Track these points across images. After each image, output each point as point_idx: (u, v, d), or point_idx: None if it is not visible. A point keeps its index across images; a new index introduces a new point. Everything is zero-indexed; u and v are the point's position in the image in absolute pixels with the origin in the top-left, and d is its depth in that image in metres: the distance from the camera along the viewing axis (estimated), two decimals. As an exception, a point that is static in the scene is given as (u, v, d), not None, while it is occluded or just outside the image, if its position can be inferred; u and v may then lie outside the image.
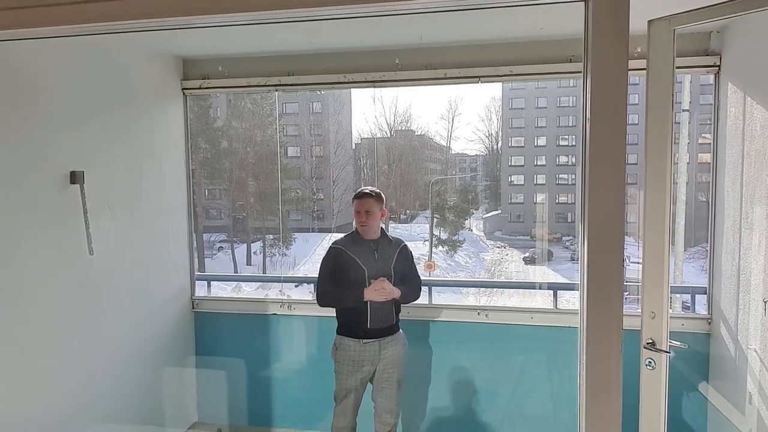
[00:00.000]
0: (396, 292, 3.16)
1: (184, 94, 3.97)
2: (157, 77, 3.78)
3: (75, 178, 2.94)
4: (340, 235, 3.34)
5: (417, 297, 3.35)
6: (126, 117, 3.47)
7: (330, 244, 3.33)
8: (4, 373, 2.33)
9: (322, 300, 3.24)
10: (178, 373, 4.00)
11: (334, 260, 3.23)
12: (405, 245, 3.38)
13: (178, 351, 3.97)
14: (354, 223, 3.29)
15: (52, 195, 2.86)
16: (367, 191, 3.27)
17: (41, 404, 2.76)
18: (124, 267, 3.39)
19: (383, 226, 3.33)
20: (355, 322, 3.17)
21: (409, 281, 3.30)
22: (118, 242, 3.33)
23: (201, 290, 4.37)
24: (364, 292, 3.13)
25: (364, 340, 3.18)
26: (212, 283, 5.02)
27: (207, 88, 3.95)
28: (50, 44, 2.70)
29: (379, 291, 3.12)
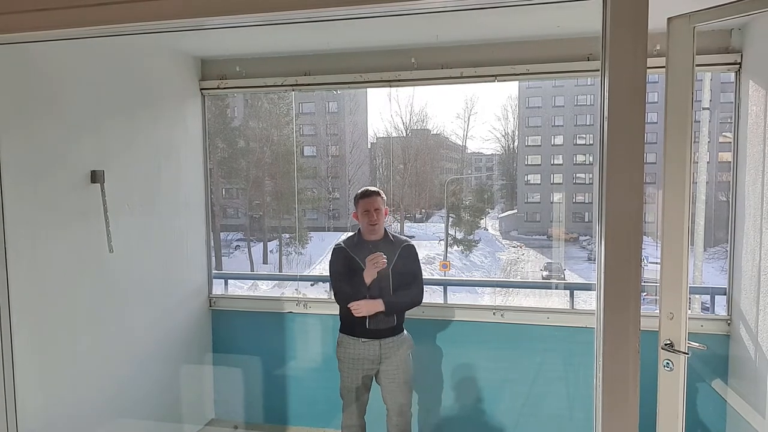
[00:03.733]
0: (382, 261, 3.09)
1: (202, 94, 4.01)
2: (176, 78, 3.82)
3: (95, 177, 2.98)
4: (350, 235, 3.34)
5: (417, 302, 3.24)
6: (145, 117, 3.52)
7: (334, 245, 3.34)
8: (27, 368, 2.37)
9: (339, 297, 3.22)
10: (195, 370, 4.04)
11: (340, 259, 3.24)
12: (408, 245, 3.29)
13: (196, 348, 4.02)
14: (360, 222, 3.23)
15: (73, 194, 2.91)
16: (374, 189, 3.22)
17: (62, 399, 2.81)
18: (142, 265, 3.44)
19: (387, 226, 3.28)
20: (355, 321, 3.16)
21: (407, 286, 3.21)
22: (137, 240, 3.37)
23: (218, 288, 4.41)
24: (364, 276, 3.10)
25: (363, 339, 3.17)
26: (229, 281, 5.06)
27: (225, 88, 3.98)
28: (71, 46, 2.74)
29: (372, 263, 3.08)
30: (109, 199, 3.03)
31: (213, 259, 4.23)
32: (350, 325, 3.21)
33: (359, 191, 3.25)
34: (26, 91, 2.59)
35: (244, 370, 4.08)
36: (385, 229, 3.25)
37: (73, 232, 2.90)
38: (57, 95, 2.80)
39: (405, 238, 3.36)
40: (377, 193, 3.22)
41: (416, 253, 3.35)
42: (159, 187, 3.62)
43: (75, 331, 2.91)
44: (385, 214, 3.23)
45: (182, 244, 3.87)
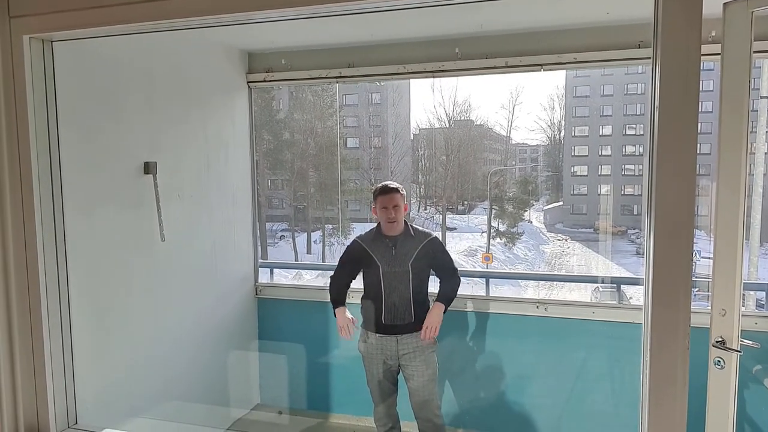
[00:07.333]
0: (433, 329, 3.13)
1: (249, 86, 4.09)
2: (225, 71, 3.91)
3: (148, 168, 3.09)
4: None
5: (455, 293, 3.26)
6: (195, 110, 3.62)
7: (355, 237, 3.41)
8: (84, 351, 2.49)
9: (332, 286, 3.37)
10: (241, 357, 4.16)
11: (354, 253, 3.31)
12: (432, 239, 3.27)
13: (242, 335, 4.13)
14: (379, 218, 3.23)
15: (127, 185, 3.02)
16: (393, 186, 3.19)
17: (118, 381, 2.93)
18: (192, 254, 3.55)
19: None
20: (373, 315, 3.21)
21: (446, 279, 3.24)
22: (187, 230, 3.48)
23: (264, 277, 4.51)
24: (338, 314, 3.24)
25: (379, 335, 3.20)
26: (274, 270, 5.17)
27: (271, 80, 4.04)
28: (124, 42, 2.84)
29: (343, 329, 3.22)
30: (161, 189, 3.14)
31: (259, 248, 4.33)
32: (368, 320, 3.26)
33: (378, 186, 3.25)
34: (83, 87, 2.69)
35: (288, 357, 4.17)
36: (406, 222, 3.24)
37: (127, 221, 3.02)
38: (112, 90, 2.91)
39: (428, 231, 3.34)
40: (396, 190, 3.18)
41: (442, 245, 3.35)
42: (207, 178, 3.72)
43: (129, 317, 3.04)
44: (405, 210, 3.21)
45: (230, 234, 3.98)
